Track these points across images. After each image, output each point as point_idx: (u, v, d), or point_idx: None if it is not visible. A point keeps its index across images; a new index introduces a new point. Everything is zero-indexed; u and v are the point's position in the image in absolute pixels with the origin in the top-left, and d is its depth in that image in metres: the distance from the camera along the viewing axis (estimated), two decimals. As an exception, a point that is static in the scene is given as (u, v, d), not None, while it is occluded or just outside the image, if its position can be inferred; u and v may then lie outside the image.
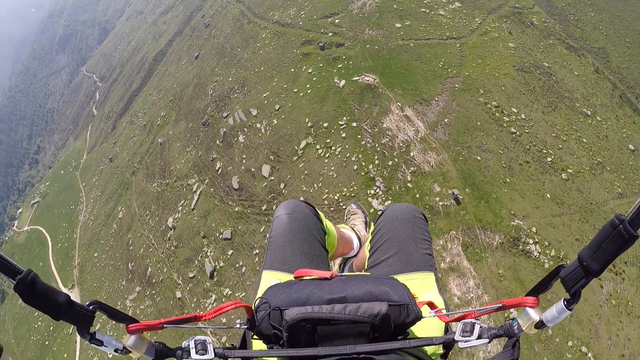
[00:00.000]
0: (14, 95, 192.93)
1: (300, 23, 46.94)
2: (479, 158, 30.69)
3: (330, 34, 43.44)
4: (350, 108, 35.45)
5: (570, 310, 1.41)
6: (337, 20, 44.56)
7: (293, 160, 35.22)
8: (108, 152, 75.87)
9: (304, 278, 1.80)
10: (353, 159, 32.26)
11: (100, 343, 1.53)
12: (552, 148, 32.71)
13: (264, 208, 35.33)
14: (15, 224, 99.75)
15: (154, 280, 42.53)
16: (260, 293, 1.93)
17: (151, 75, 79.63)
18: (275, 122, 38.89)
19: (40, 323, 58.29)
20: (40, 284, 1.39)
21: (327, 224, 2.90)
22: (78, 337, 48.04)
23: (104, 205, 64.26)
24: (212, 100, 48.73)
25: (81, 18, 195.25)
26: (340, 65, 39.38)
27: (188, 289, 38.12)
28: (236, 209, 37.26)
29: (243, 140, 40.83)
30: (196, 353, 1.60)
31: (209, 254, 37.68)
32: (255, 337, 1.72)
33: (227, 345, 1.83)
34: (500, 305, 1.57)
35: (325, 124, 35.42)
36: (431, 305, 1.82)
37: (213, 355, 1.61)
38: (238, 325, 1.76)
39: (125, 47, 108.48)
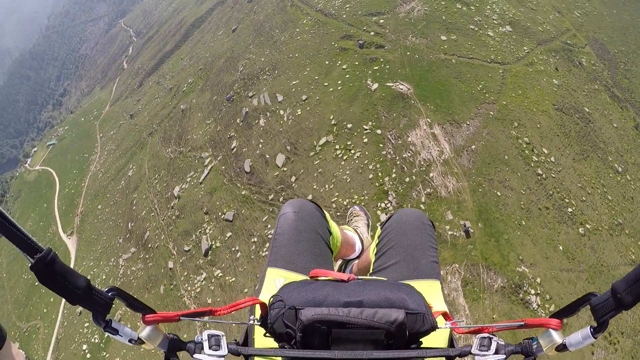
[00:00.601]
0: (49, 35, 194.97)
1: (344, 16, 45.46)
2: (498, 194, 29.44)
3: (372, 33, 42.02)
4: (377, 114, 34.20)
5: (595, 338, 1.39)
6: (381, 20, 43.09)
7: (309, 156, 34.15)
8: (130, 108, 76.36)
9: (320, 278, 1.72)
10: (370, 167, 31.20)
11: (115, 332, 1.44)
12: (575, 199, 31.42)
13: (270, 197, 34.42)
14: (29, 162, 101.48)
15: (149, 245, 42.55)
16: (264, 290, 2.22)
17: (186, 40, 79.67)
18: (299, 113, 37.77)
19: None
20: (59, 265, 1.29)
21: (332, 224, 2.84)
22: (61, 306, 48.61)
23: (117, 160, 64.80)
24: (241, 77, 47.74)
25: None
26: (376, 68, 38.04)
27: (181, 261, 37.91)
28: (243, 192, 36.49)
29: (263, 125, 39.81)
30: (209, 348, 1.52)
31: (207, 231, 37.29)
32: (266, 335, 1.57)
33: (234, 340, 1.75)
34: (522, 323, 1.54)
35: (349, 125, 34.23)
36: (446, 315, 1.80)
37: (227, 352, 1.54)
38: (251, 322, 1.71)
39: (167, 7, 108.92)
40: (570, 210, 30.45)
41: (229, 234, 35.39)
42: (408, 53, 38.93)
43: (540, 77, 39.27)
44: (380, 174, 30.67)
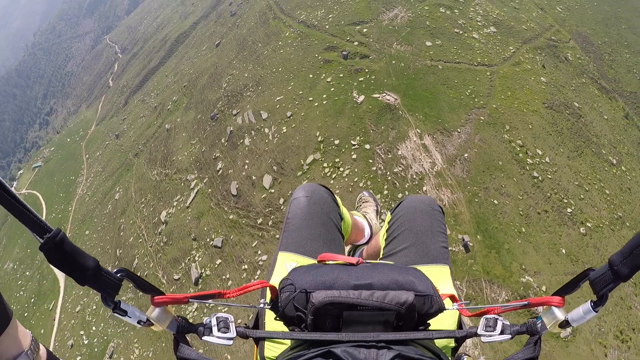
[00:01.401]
0: (35, 52, 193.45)
1: (327, 27, 44.66)
2: (495, 202, 28.52)
3: (356, 42, 41.16)
4: (365, 128, 33.22)
5: (596, 311, 1.43)
6: (365, 30, 42.26)
7: (297, 175, 33.10)
8: (116, 128, 75.08)
9: (328, 262, 1.75)
10: (361, 184, 30.17)
11: (124, 313, 1.43)
12: (573, 198, 30.67)
13: (259, 221, 33.31)
14: (15, 185, 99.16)
15: (138, 274, 40.10)
16: (275, 274, 2.22)
17: (170, 56, 78.66)
18: (285, 130, 36.72)
19: (22, 293, 57.76)
20: (68, 245, 1.25)
21: (343, 210, 2.81)
22: (57, 315, 47.46)
23: (103, 183, 63.42)
24: (225, 95, 46.78)
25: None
26: (362, 79, 37.13)
27: (171, 290, 36.27)
28: (231, 217, 35.43)
29: (248, 144, 38.77)
30: (218, 331, 1.52)
31: (196, 258, 36.18)
32: (277, 318, 1.62)
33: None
34: (526, 302, 1.56)
35: (337, 141, 33.22)
36: (453, 298, 1.79)
37: (235, 334, 1.54)
38: (262, 305, 1.71)
39: (151, 23, 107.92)
40: (569, 210, 29.71)
41: (218, 261, 34.25)
42: (393, 62, 38.07)
43: (527, 76, 38.51)
44: (371, 192, 29.56)
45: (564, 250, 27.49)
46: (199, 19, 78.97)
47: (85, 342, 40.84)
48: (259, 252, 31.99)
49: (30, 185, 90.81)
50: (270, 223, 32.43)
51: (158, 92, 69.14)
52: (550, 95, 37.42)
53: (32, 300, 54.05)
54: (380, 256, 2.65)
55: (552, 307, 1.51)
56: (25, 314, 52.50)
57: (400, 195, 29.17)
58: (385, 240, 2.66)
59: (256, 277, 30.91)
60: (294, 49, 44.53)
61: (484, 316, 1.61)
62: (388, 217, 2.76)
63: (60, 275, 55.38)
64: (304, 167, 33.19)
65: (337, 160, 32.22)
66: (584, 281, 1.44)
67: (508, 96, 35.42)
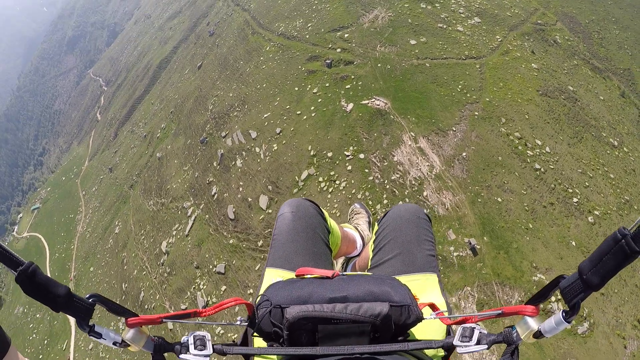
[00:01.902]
0: (22, 95, 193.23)
1: (307, 36, 43.70)
2: (499, 200, 27.42)
3: (338, 49, 40.15)
4: (357, 137, 32.10)
5: (568, 322, 1.38)
6: (346, 35, 41.30)
7: (293, 193, 31.90)
8: (108, 162, 74.73)
9: (306, 276, 1.77)
10: (359, 196, 29.02)
11: (98, 336, 1.50)
12: (578, 186, 29.73)
13: (259, 244, 32.31)
14: (16, 229, 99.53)
15: (146, 307, 40.26)
16: (262, 290, 2.03)
17: (154, 83, 78.13)
18: (276, 148, 35.66)
19: (35, 335, 57.52)
20: (40, 276, 1.36)
21: (331, 223, 2.82)
22: (72, 355, 47.24)
23: (102, 218, 62.91)
24: (212, 117, 45.92)
25: (91, 19, 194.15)
26: (349, 86, 36.09)
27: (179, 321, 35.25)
28: (231, 242, 34.43)
29: (241, 165, 37.76)
30: (195, 349, 1.56)
31: (201, 286, 35.16)
32: (255, 334, 1.72)
33: (229, 341, 1.82)
34: (500, 312, 1.55)
35: (330, 154, 32.07)
36: (433, 306, 1.79)
37: (211, 351, 1.57)
38: (238, 322, 1.71)
39: (132, 52, 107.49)
40: (575, 200, 28.74)
41: (223, 288, 33.19)
42: (379, 65, 37.06)
43: (518, 64, 37.60)
44: (370, 202, 28.44)
45: (574, 243, 26.53)
46: (179, 42, 78.19)
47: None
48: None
49: (31, 227, 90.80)
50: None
51: (146, 121, 68.53)
52: (543, 81, 36.51)
53: (45, 342, 53.68)
54: (368, 267, 2.65)
55: (525, 316, 1.46)
56: (40, 357, 52.02)
57: (400, 203, 28.01)
58: (373, 251, 2.64)
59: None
60: (276, 63, 43.55)
61: (460, 326, 1.58)
62: (375, 227, 2.77)
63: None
64: (299, 183, 32.05)
65: (332, 173, 31.06)
66: (555, 290, 1.40)
67: (500, 87, 34.44)
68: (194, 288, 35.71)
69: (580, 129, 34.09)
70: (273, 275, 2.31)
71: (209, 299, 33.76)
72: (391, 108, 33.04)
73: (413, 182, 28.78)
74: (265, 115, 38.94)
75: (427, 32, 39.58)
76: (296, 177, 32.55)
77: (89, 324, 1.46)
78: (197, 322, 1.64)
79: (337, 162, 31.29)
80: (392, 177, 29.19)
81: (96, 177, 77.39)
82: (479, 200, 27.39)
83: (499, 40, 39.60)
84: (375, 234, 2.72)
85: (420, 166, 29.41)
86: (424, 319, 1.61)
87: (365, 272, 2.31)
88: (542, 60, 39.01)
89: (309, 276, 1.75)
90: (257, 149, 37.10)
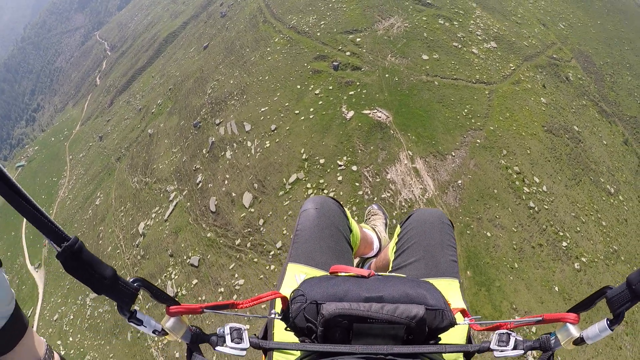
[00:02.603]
0: (25, 47, 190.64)
1: (318, 34, 42.42)
2: (489, 234, 26.51)
3: (347, 53, 38.94)
4: (353, 147, 30.97)
5: (612, 330, 1.42)
6: (358, 39, 40.06)
7: (278, 195, 30.80)
8: (100, 129, 73.13)
9: (340, 274, 1.74)
10: (345, 209, 27.72)
11: (139, 322, 1.44)
12: (569, 230, 28.98)
13: (237, 242, 31.15)
14: None
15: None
16: (285, 285, 2.25)
17: (158, 56, 76.67)
18: (268, 145, 34.46)
19: None
20: (86, 254, 1.27)
21: (352, 222, 2.82)
22: (35, 323, 46.19)
23: (85, 187, 61.60)
24: (209, 101, 44.63)
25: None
26: (352, 93, 34.93)
27: (147, 307, 33.80)
28: (208, 235, 33.32)
29: (230, 157, 36.54)
30: (231, 341, 1.52)
31: (173, 276, 34.14)
32: (287, 329, 1.61)
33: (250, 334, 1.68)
34: (540, 318, 1.57)
35: (322, 160, 30.91)
36: (464, 312, 1.83)
37: (248, 345, 1.56)
38: (273, 315, 1.73)
39: (141, 20, 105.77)
40: (565, 244, 28.06)
41: (194, 281, 32.20)
42: (387, 75, 35.92)
43: (527, 96, 36.64)
44: (356, 219, 27.22)
45: (556, 288, 26.01)
46: (190, 18, 76.84)
47: (62, 352, 38.62)
48: (236, 275, 29.89)
49: None
50: (248, 245, 30.36)
51: (143, 94, 67.08)
52: (550, 117, 35.61)
53: None
54: (390, 269, 2.65)
55: (567, 323, 1.50)
56: (4, 321, 50.71)
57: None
58: (395, 253, 2.65)
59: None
60: (282, 57, 42.26)
61: (496, 331, 1.60)
62: (397, 230, 2.77)
63: (40, 281, 54.39)
64: (286, 186, 30.91)
65: (321, 181, 29.93)
66: (601, 299, 1.44)
67: (507, 117, 33.49)
68: (165, 276, 34.72)
69: (580, 172, 33.29)
70: (296, 271, 2.33)
71: (178, 290, 32.81)
72: (392, 122, 31.96)
73: (403, 204, 27.78)
74: (262, 109, 37.71)
75: (440, 49, 38.50)
76: (284, 179, 31.39)
77: (130, 309, 1.39)
78: (235, 314, 1.61)
79: (329, 171, 30.17)
80: (383, 195, 28.16)
81: (85, 143, 75.76)
82: (468, 232, 26.47)
83: (512, 68, 38.61)
84: (397, 237, 2.73)
85: (413, 188, 28.41)
86: (457, 324, 1.58)
87: (400, 274, 2.19)
88: (552, 96, 38.12)
89: (343, 274, 1.71)
90: (249, 143, 35.92)
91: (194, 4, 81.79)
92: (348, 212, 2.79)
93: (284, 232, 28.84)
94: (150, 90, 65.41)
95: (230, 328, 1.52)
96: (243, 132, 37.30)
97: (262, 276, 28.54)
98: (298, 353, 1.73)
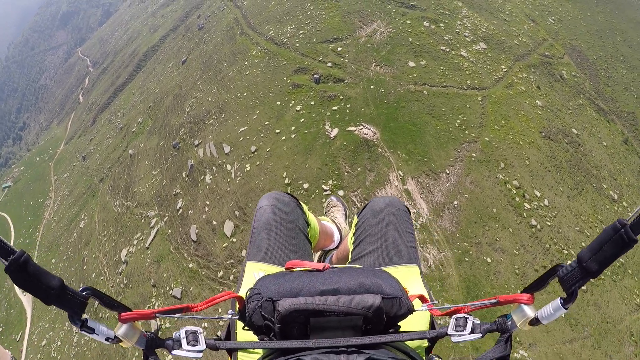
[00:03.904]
0: (9, 65, 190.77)
1: (297, 44, 40.19)
2: (488, 260, 24.39)
3: (329, 64, 36.69)
4: (339, 169, 28.62)
5: (566, 308, 1.46)
6: (339, 48, 37.84)
7: (261, 224, 28.69)
8: (83, 149, 72.18)
9: (295, 269, 1.74)
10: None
11: (91, 331, 1.46)
12: (574, 246, 26.94)
13: (220, 274, 29.05)
14: None
15: (100, 315, 37.03)
16: (244, 284, 2.24)
17: (139, 72, 75.47)
18: (248, 169, 32.21)
19: None
20: (32, 266, 1.32)
21: (309, 216, 2.83)
22: (24, 348, 45.79)
23: (69, 208, 60.60)
24: (188, 120, 42.62)
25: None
26: (336, 108, 32.68)
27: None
28: (190, 265, 31.29)
29: (209, 182, 34.41)
30: (187, 344, 1.54)
31: (156, 307, 31.54)
32: (245, 328, 1.62)
33: (213, 336, 3.36)
34: (495, 301, 1.59)
35: (306, 185, 28.57)
36: (422, 298, 1.81)
37: (204, 347, 1.55)
38: (229, 316, 1.71)
39: (122, 35, 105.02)
40: (569, 263, 25.75)
41: (177, 315, 30.00)
42: (372, 87, 33.67)
43: (522, 99, 34.61)
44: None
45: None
46: (168, 32, 75.30)
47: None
48: (220, 310, 27.78)
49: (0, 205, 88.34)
50: (231, 277, 28.34)
51: (124, 112, 65.66)
52: (547, 121, 33.63)
53: (0, 329, 52.06)
54: (349, 260, 2.65)
55: (522, 304, 1.51)
56: (-9, 345, 49.16)
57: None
58: (353, 243, 2.65)
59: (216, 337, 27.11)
60: (260, 71, 40.05)
61: (454, 316, 1.60)
62: (355, 220, 2.77)
63: (28, 305, 53.42)
64: (269, 214, 28.83)
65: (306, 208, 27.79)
66: (553, 278, 1.46)
67: (502, 126, 31.37)
68: (148, 307, 32.44)
69: (582, 179, 31.34)
70: (254, 269, 2.31)
71: (162, 323, 30.47)
72: (380, 139, 29.68)
73: (395, 231, 25.61)
74: (241, 129, 35.49)
75: (428, 55, 36.33)
76: (266, 206, 29.29)
77: (81, 318, 1.39)
78: (190, 317, 1.64)
79: (313, 196, 27.84)
80: (372, 223, 25.97)
81: (69, 163, 74.80)
82: (467, 259, 24.30)
83: (504, 70, 36.55)
84: (355, 227, 2.71)
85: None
86: (415, 310, 1.59)
87: (356, 265, 2.24)
88: (547, 97, 36.18)
89: (298, 269, 1.69)
90: (229, 167, 33.74)
91: (172, 17, 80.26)
92: (305, 206, 2.77)
93: (269, 264, 26.82)
94: (131, 108, 63.95)
95: (186, 331, 1.51)
96: (222, 154, 35.12)
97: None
98: (261, 351, 1.65)
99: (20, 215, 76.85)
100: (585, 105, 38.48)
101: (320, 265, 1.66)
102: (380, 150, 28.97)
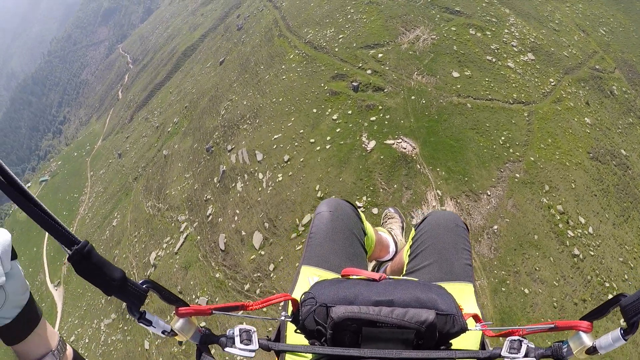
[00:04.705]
0: (52, 60, 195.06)
1: (336, 49, 38.93)
2: (526, 291, 22.69)
3: (368, 71, 35.28)
4: (374, 185, 27.16)
5: (625, 339, 1.42)
6: (380, 55, 36.44)
7: (290, 238, 27.47)
8: (119, 146, 73.12)
9: (351, 277, 1.75)
10: (365, 260, 24.43)
11: (148, 323, 1.49)
12: (616, 279, 24.86)
13: (246, 287, 28.15)
14: None
15: (127, 317, 37.50)
16: (298, 287, 2.33)
17: (177, 70, 75.83)
18: (280, 179, 31.20)
19: None
20: (96, 257, 1.35)
21: (367, 225, 2.90)
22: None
23: (103, 205, 61.34)
24: (222, 124, 42.03)
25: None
26: (374, 118, 31.32)
27: (156, 343, 32.63)
28: (217, 275, 30.57)
29: (240, 190, 33.59)
30: (241, 342, 1.56)
31: (181, 314, 31.23)
32: (297, 331, 1.62)
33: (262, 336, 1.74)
34: (552, 326, 1.57)
35: (339, 200, 27.45)
36: (476, 318, 1.85)
37: (257, 346, 1.58)
38: (282, 318, 1.72)
39: (162, 33, 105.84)
40: (610, 296, 23.56)
41: (202, 324, 29.17)
42: (413, 97, 32.19)
43: (570, 116, 32.53)
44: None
45: (621, 345, 21.75)
46: (207, 31, 75.33)
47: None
48: (244, 323, 26.71)
49: None
50: (258, 292, 27.30)
51: (161, 111, 65.97)
52: (595, 141, 31.50)
53: None
54: (404, 272, 2.65)
55: (580, 332, 1.48)
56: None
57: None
58: (409, 256, 2.65)
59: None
60: (297, 75, 38.96)
61: (508, 338, 1.59)
62: (412, 233, 2.77)
63: (59, 300, 54.84)
64: (299, 228, 27.50)
65: (337, 224, 26.57)
66: (615, 307, 1.42)
67: (548, 145, 29.48)
68: (174, 313, 31.88)
69: (628, 205, 29.09)
70: (309, 273, 2.36)
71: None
72: (419, 155, 28.19)
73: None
74: (275, 137, 34.52)
75: (473, 65, 34.59)
76: (297, 219, 28.02)
77: (140, 310, 1.42)
78: (245, 316, 1.63)
79: (346, 213, 26.74)
80: (407, 245, 24.63)
81: (105, 160, 75.82)
82: (503, 289, 22.63)
83: (552, 84, 34.56)
84: (412, 240, 2.71)
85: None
86: (468, 329, 1.56)
87: (412, 278, 2.14)
88: (596, 114, 33.99)
89: (354, 277, 1.70)
90: (261, 175, 32.83)
91: (212, 16, 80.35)
92: (363, 216, 2.81)
93: (296, 282, 25.73)
94: (167, 107, 64.17)
95: (240, 330, 1.53)
96: (255, 162, 34.26)
97: (270, 328, 25.67)
98: (310, 355, 1.69)
99: (56, 210, 76.59)
100: (636, 124, 35.96)
101: (376, 275, 1.65)
102: (418, 166, 27.54)
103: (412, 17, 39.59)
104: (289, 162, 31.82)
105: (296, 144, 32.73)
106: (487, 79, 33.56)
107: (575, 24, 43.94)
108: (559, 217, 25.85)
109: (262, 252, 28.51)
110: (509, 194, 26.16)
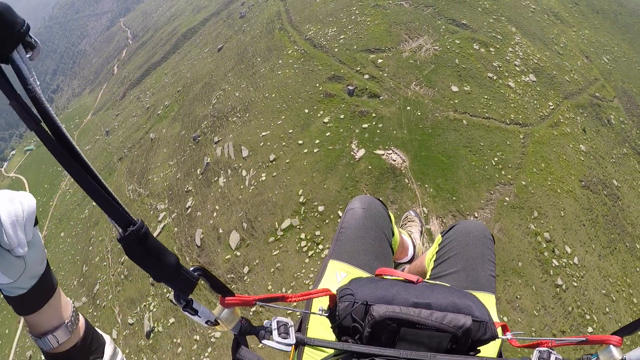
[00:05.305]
0: (52, 26, 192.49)
1: (336, 50, 37.92)
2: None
3: (366, 76, 34.34)
4: (359, 195, 26.45)
5: None
6: (380, 60, 35.50)
7: (268, 242, 26.56)
8: (108, 123, 71.55)
9: (386, 277, 1.78)
10: (341, 273, 23.60)
11: (194, 312, 1.47)
12: (597, 312, 24.28)
13: (219, 287, 27.27)
14: (5, 166, 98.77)
15: (97, 302, 36.88)
16: (325, 281, 2.36)
17: (174, 52, 74.18)
18: (264, 178, 30.27)
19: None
20: (152, 240, 1.24)
21: (395, 226, 2.91)
22: (21, 322, 43.00)
23: None
24: (212, 113, 40.99)
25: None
26: (366, 126, 30.42)
27: (124, 334, 31.90)
28: (190, 271, 29.51)
29: (222, 185, 32.66)
30: (278, 335, 1.55)
31: (152, 308, 31.12)
32: (332, 327, 1.65)
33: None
34: (584, 339, 1.60)
35: (321, 208, 26.38)
36: (505, 327, 1.89)
37: (294, 340, 1.55)
38: (319, 312, 1.71)
39: (165, 12, 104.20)
40: (590, 330, 23.32)
41: (172, 320, 28.93)
42: (408, 108, 31.26)
43: (566, 142, 31.81)
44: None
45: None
46: (210, 15, 73.74)
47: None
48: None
49: (19, 169, 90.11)
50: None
51: (154, 92, 64.38)
52: (588, 169, 30.85)
53: None
54: (427, 277, 2.67)
55: (610, 345, 1.48)
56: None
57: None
58: (434, 261, 2.71)
59: (207, 353, 25.94)
60: (293, 72, 37.93)
61: (537, 348, 1.61)
62: (438, 239, 2.88)
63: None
64: (277, 232, 26.55)
65: (317, 233, 25.41)
66: None
67: (541, 169, 28.73)
68: (144, 305, 31.90)
69: (615, 237, 28.49)
70: (337, 268, 2.39)
71: (155, 325, 29.83)
72: (408, 169, 27.28)
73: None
74: (263, 134, 33.53)
75: (473, 80, 33.69)
76: (277, 223, 27.04)
77: (188, 298, 1.39)
78: (284, 308, 1.64)
79: (327, 221, 25.60)
80: (386, 261, 23.86)
81: (92, 136, 74.13)
82: (483, 316, 22.07)
83: (551, 107, 33.84)
84: (438, 246, 2.79)
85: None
86: (498, 338, 1.63)
87: (444, 284, 1.98)
88: (592, 142, 33.36)
89: (389, 277, 1.72)
90: (244, 172, 31.88)
91: (217, 0, 78.44)
92: (392, 216, 2.84)
93: (269, 287, 24.68)
94: (160, 89, 62.72)
95: (278, 322, 1.51)
96: (240, 158, 33.32)
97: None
98: (330, 351, 1.69)
99: (38, 181, 77.51)
100: (630, 155, 35.54)
101: (414, 277, 1.67)
102: (406, 180, 26.67)
103: (417, 25, 38.66)
104: (274, 162, 30.90)
105: (284, 143, 31.81)
106: (486, 97, 32.74)
107: (580, 49, 43.29)
108: (545, 245, 25.19)
109: (238, 253, 27.64)
110: (496, 217, 25.45)
